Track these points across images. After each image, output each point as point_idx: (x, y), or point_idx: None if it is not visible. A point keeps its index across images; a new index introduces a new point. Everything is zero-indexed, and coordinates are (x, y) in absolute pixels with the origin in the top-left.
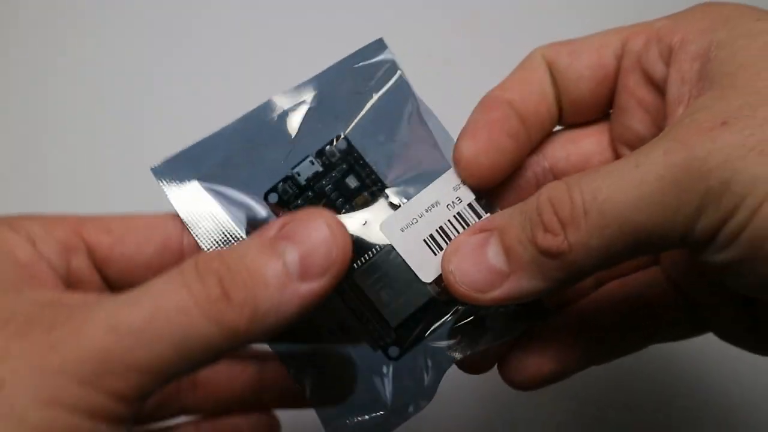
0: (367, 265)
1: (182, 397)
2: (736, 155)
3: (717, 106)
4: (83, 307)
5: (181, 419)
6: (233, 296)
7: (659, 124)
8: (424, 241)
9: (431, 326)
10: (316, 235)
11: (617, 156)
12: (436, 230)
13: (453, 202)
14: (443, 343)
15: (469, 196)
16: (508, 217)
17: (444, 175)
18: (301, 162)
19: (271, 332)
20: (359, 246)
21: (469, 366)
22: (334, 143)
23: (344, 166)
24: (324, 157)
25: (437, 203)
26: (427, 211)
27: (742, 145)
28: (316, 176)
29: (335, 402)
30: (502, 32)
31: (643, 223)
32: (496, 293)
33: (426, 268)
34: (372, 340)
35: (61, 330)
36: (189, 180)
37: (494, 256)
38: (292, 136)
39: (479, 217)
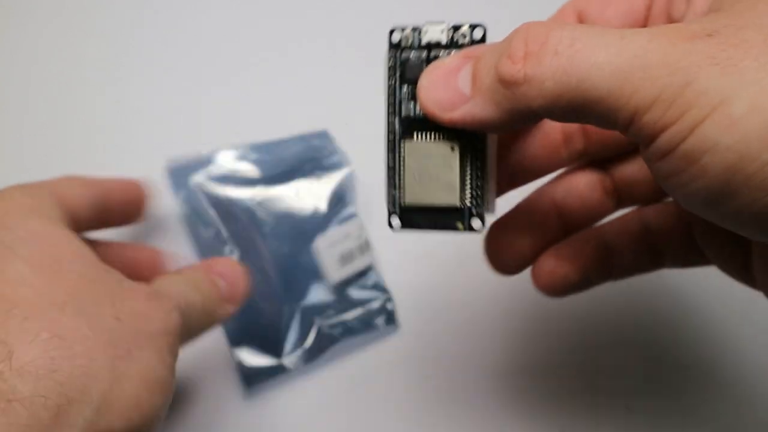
0: (423, 145)
1: None
2: (703, 63)
3: (707, 20)
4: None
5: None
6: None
7: None
8: None
9: (435, 228)
10: (237, 276)
11: None
12: None
13: None
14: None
15: None
16: (490, 46)
17: None
18: (435, 23)
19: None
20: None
21: (495, 258)
22: (473, 29)
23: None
24: (455, 33)
25: None
26: None
27: (713, 57)
28: (438, 45)
29: None
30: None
31: (601, 89)
32: (454, 114)
33: None
34: (389, 202)
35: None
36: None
37: (463, 79)
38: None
39: None
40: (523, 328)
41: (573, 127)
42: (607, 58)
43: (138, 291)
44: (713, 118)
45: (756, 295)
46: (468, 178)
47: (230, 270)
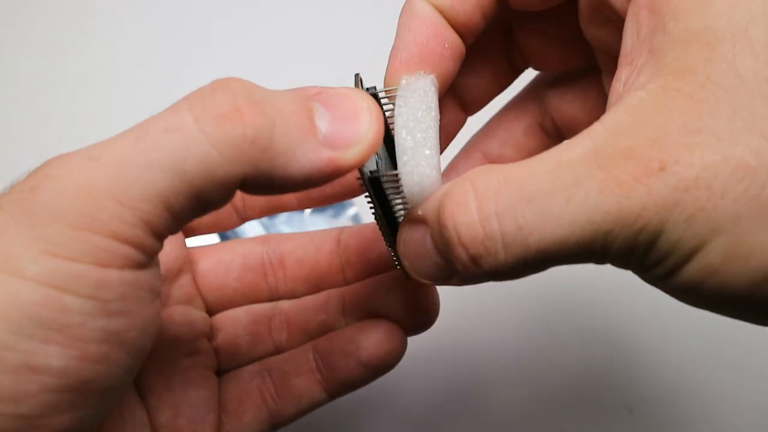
0: None
1: (269, 282)
2: (670, 203)
3: (654, 124)
4: (64, 154)
5: None
6: (248, 116)
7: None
8: None
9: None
10: (353, 110)
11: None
12: None
13: None
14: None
15: None
16: (431, 213)
17: None
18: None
19: (276, 179)
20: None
21: None
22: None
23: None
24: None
25: None
26: None
27: (674, 190)
28: None
29: None
30: None
31: (567, 256)
32: (453, 282)
33: None
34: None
35: (42, 179)
36: None
37: (430, 249)
38: None
39: None
40: (523, 327)
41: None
42: (562, 234)
43: None
44: (693, 266)
45: None
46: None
47: (346, 102)
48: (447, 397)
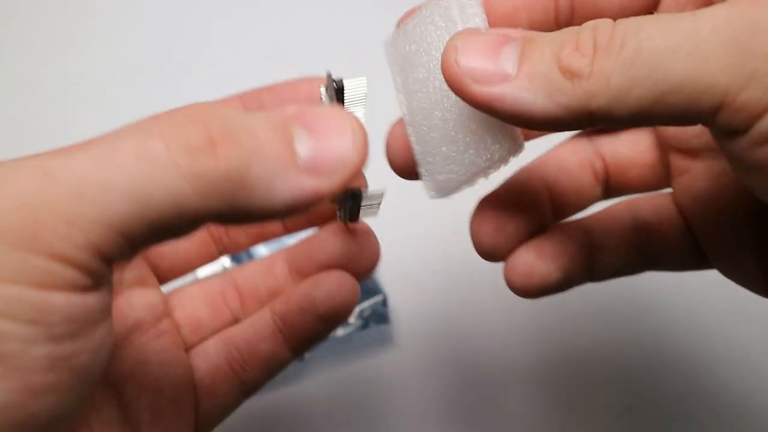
0: None
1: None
2: None
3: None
4: (16, 161)
5: None
6: (221, 148)
7: None
8: None
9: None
10: (336, 132)
11: None
12: None
13: None
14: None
15: None
16: (542, 33)
17: None
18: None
19: (254, 211)
20: None
21: (481, 241)
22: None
23: None
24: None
25: None
26: None
27: None
28: None
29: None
30: None
31: (677, 73)
32: (492, 89)
33: None
34: None
35: None
36: None
37: (507, 55)
38: None
39: None
40: (523, 327)
41: None
42: (681, 40)
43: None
44: None
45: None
46: None
47: (328, 123)
48: (447, 397)
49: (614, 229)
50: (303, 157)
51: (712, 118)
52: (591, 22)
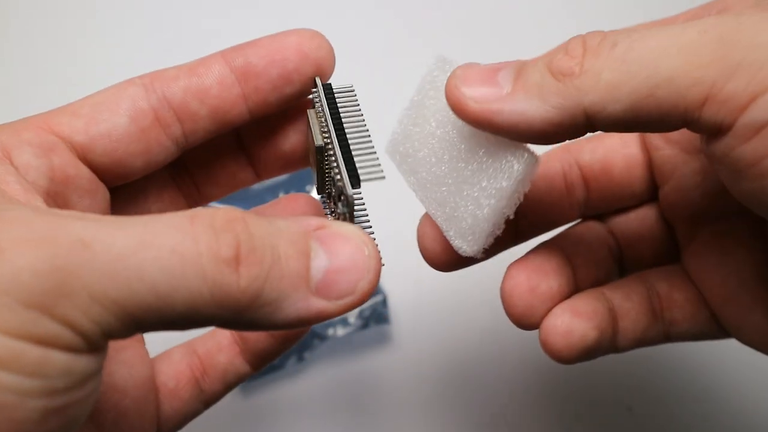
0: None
1: None
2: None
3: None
4: (55, 215)
5: None
6: (244, 267)
7: None
8: None
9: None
10: (353, 259)
11: (644, 146)
12: None
13: None
14: None
15: None
16: (530, 59)
17: None
18: None
19: (258, 324)
20: None
21: (516, 306)
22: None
23: None
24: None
25: None
26: None
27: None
28: None
29: None
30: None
31: (668, 70)
32: (488, 106)
33: None
34: None
35: (10, 243)
36: None
37: (503, 77)
38: None
39: None
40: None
41: (574, 175)
42: (672, 39)
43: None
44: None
45: None
46: None
47: (346, 248)
48: (447, 397)
49: (631, 296)
50: (316, 278)
51: (699, 113)
52: (580, 35)
